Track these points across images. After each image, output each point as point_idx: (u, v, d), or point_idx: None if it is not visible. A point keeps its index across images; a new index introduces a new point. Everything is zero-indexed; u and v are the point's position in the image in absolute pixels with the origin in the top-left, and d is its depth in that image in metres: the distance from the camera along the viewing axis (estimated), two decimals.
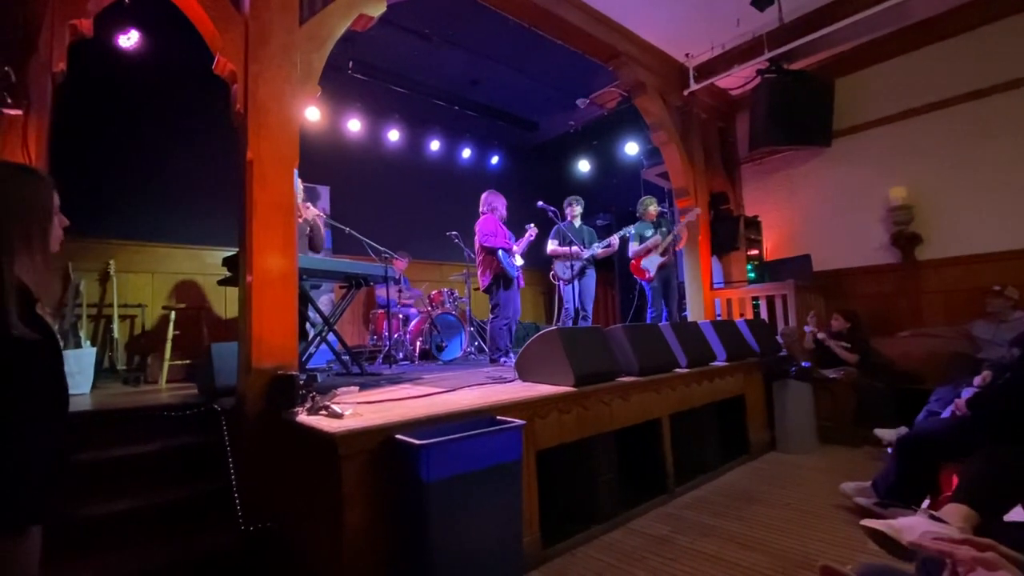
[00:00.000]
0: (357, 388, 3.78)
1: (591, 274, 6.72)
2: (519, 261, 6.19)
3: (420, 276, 9.05)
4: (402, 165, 9.38)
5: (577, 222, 6.94)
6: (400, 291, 7.63)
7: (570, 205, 6.94)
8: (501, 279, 5.95)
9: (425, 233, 9.06)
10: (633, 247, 6.94)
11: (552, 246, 6.72)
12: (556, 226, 6.76)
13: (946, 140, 6.52)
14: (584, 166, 10.66)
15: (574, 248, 6.56)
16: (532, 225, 6.48)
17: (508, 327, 6.04)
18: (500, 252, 5.94)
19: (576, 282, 6.56)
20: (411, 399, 3.47)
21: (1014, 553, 1.35)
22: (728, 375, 5.08)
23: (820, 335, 6.08)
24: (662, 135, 7.22)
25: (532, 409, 3.42)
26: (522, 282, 6.21)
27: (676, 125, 7.36)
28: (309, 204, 5.10)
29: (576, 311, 6.58)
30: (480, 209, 6.27)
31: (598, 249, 6.71)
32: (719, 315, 7.44)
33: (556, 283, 6.79)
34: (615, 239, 6.74)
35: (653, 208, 7.14)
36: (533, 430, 3.40)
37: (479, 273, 6.10)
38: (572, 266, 6.51)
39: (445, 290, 7.85)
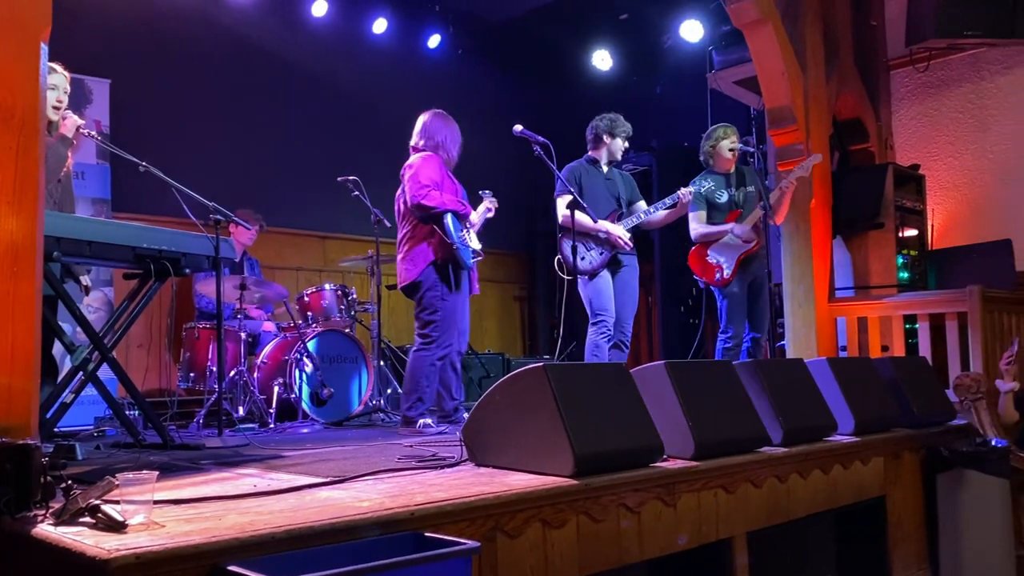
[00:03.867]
0: (156, 474, 2.61)
1: (631, 265, 5.01)
2: (475, 243, 4.65)
3: (283, 259, 7.25)
4: (252, 44, 7.05)
5: (604, 162, 5.04)
6: (244, 287, 5.54)
7: (605, 131, 5.01)
8: (446, 268, 4.51)
9: (294, 177, 7.13)
10: (697, 225, 5.12)
11: (563, 209, 4.84)
12: (568, 167, 4.95)
13: None
14: (602, 60, 8.03)
15: (601, 224, 4.85)
16: (489, 193, 4.83)
17: (446, 362, 4.58)
18: (448, 217, 4.49)
19: (602, 278, 4.92)
20: (261, 496, 2.51)
21: None
22: (857, 460, 4.13)
23: None
24: (750, 7, 5.32)
25: (493, 519, 2.47)
26: (476, 283, 4.77)
27: None
28: (70, 112, 4.09)
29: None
30: (412, 142, 4.71)
31: (654, 212, 4.95)
32: (843, 348, 5.90)
33: (565, 277, 5.09)
34: (685, 193, 4.87)
35: (730, 146, 5.14)
36: (495, 560, 2.46)
37: (401, 256, 4.65)
38: (599, 249, 4.83)
39: (329, 287, 6.04)
